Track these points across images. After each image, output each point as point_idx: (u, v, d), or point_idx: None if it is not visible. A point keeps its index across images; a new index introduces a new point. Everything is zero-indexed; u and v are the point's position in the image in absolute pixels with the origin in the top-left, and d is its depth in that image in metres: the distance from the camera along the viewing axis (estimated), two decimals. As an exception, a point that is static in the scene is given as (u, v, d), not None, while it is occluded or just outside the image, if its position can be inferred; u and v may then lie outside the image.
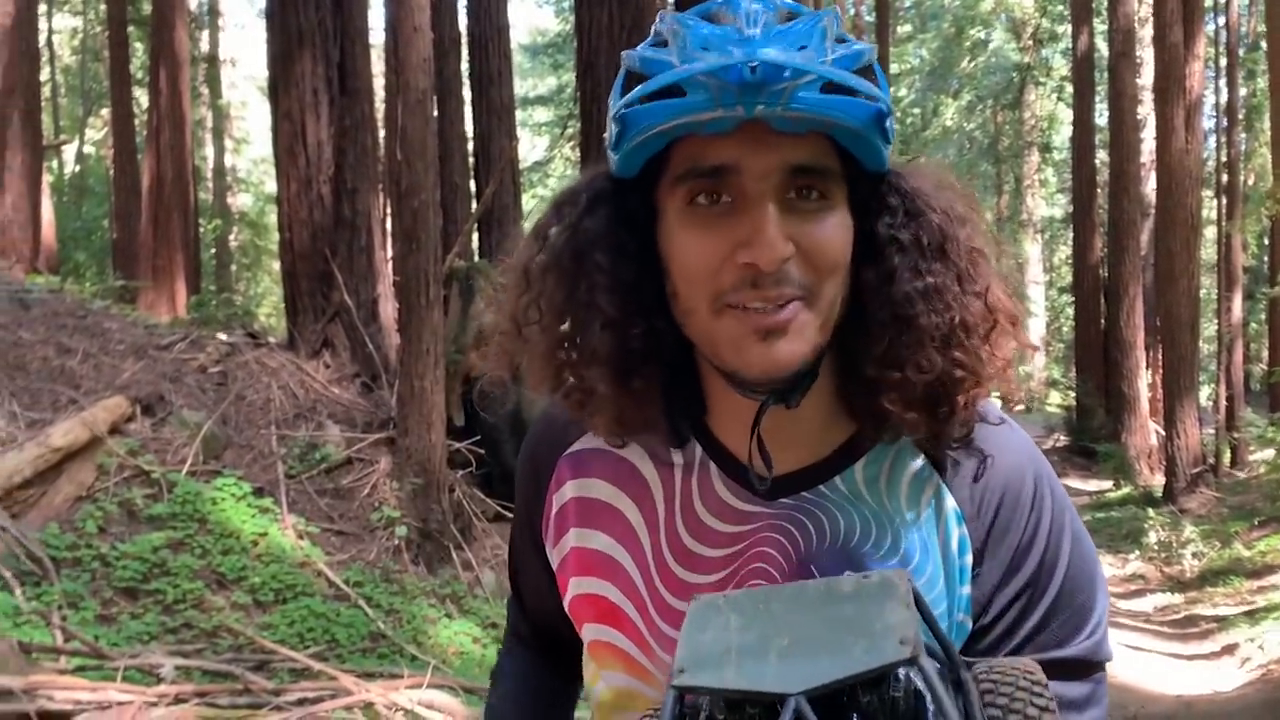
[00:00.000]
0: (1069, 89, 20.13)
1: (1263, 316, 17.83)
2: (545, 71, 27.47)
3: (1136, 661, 6.73)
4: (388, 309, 8.68)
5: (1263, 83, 16.89)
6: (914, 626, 0.65)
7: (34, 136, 11.29)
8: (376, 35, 11.72)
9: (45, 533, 5.36)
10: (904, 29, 26.51)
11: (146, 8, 15.41)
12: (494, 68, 11.68)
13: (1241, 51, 16.83)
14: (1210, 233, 17.51)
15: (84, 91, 22.93)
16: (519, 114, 17.06)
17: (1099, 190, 18.07)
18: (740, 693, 0.64)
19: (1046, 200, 27.82)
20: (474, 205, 10.71)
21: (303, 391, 7.67)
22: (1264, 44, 14.74)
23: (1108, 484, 14.66)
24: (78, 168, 20.81)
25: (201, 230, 17.71)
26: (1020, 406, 23.18)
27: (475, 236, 11.01)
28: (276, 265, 14.33)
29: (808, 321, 0.84)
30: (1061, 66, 23.04)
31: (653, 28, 0.87)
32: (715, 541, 0.95)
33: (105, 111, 20.06)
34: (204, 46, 22.49)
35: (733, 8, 0.82)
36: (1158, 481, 13.61)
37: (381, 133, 10.61)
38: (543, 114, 26.38)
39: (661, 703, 0.68)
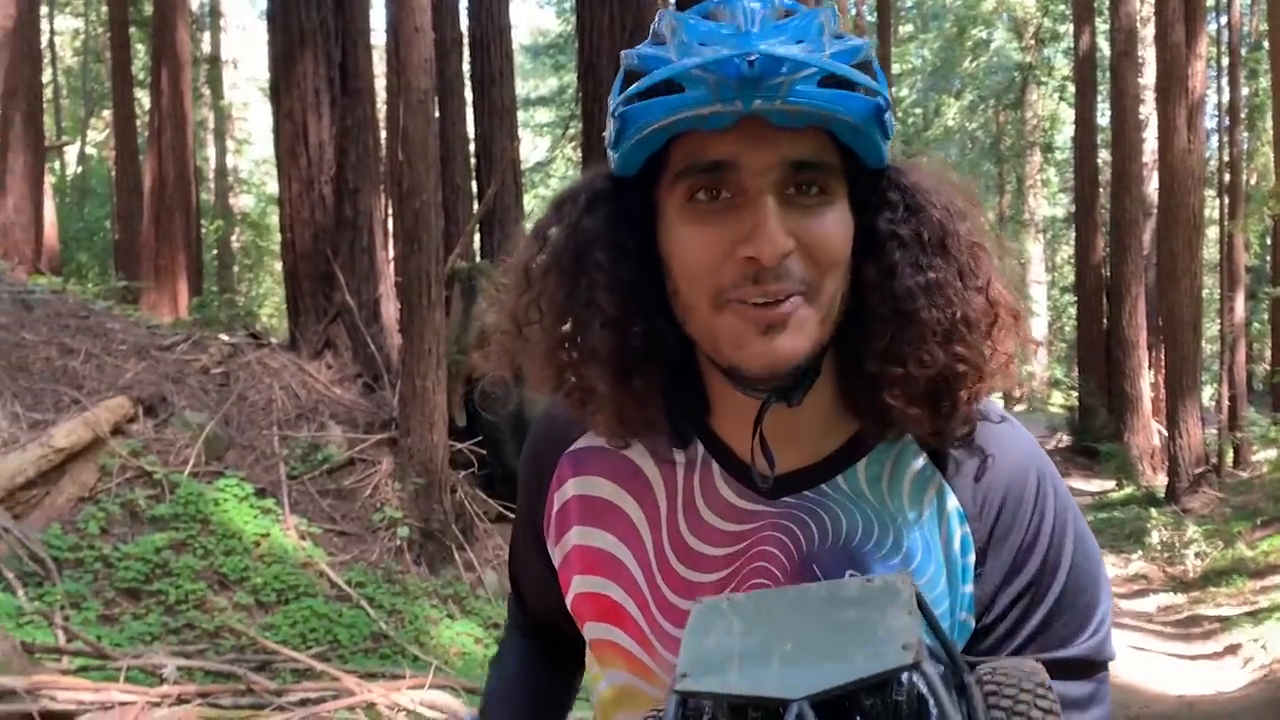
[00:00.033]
0: (1071, 89, 20.16)
1: (1265, 316, 17.80)
2: (547, 72, 27.49)
3: (1139, 661, 6.72)
4: (390, 309, 8.68)
5: (1265, 82, 16.87)
6: (917, 631, 0.65)
7: (36, 138, 11.32)
8: (378, 36, 11.71)
9: (48, 533, 5.37)
10: (905, 29, 26.51)
11: (148, 9, 15.43)
12: (495, 68, 11.67)
13: (1244, 51, 16.84)
14: (1213, 232, 17.49)
15: (86, 93, 22.97)
16: (521, 115, 17.08)
17: (1101, 190, 18.07)
18: (743, 698, 0.64)
19: (1048, 200, 27.82)
20: (476, 206, 10.71)
21: (305, 392, 7.68)
22: (1266, 43, 14.74)
23: (1110, 484, 14.66)
24: (80, 169, 20.83)
25: (203, 231, 17.72)
26: (1022, 406, 23.20)
27: (477, 237, 11.01)
28: (278, 266, 14.35)
29: (808, 316, 0.84)
30: (1063, 66, 23.05)
31: (651, 27, 0.86)
32: (717, 540, 0.95)
33: (107, 113, 20.08)
34: (205, 47, 22.52)
35: (731, 5, 0.82)
36: (1160, 481, 13.62)
37: (383, 133, 10.62)
38: (544, 115, 26.42)
39: (663, 702, 0.68)
